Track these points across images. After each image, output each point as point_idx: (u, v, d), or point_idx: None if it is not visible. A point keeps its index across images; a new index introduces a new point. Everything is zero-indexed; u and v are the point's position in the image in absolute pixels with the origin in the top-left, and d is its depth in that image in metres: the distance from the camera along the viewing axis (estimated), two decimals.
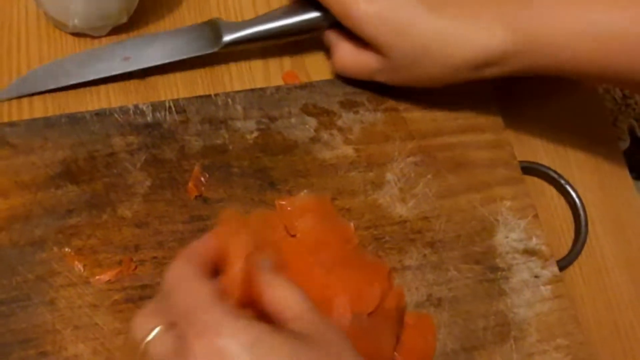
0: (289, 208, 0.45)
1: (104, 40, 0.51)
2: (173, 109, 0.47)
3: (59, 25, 0.50)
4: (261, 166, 0.47)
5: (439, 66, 0.46)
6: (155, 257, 0.43)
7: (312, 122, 0.49)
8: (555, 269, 0.47)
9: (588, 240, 0.50)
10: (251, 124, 0.48)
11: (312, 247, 0.43)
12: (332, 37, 0.50)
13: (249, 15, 0.54)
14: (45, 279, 0.41)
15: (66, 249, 0.42)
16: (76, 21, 0.49)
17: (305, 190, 0.46)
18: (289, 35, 0.50)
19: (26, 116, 0.48)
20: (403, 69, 0.47)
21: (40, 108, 0.48)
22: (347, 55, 0.49)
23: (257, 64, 0.53)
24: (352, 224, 0.46)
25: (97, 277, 0.42)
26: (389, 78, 0.48)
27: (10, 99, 0.47)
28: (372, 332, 0.41)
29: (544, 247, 0.47)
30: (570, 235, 0.51)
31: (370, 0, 0.45)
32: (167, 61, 0.49)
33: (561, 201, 0.52)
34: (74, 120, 0.46)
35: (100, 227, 0.43)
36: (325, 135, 0.48)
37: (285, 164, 0.47)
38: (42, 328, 0.40)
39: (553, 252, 0.48)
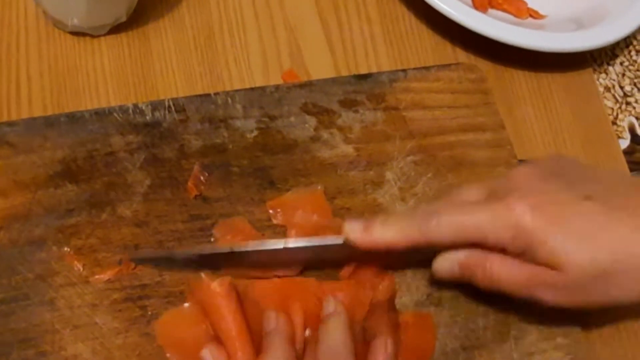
0: (279, 209, 0.45)
1: (102, 39, 0.51)
2: (172, 107, 0.47)
3: (59, 25, 0.50)
4: (261, 165, 0.47)
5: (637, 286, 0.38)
6: None
7: (312, 121, 0.49)
8: None
9: None
10: (251, 123, 0.48)
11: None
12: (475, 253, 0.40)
13: (248, 15, 0.54)
14: (45, 279, 0.41)
15: (65, 249, 0.42)
16: (75, 20, 0.49)
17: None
18: None
19: (25, 115, 0.48)
20: (581, 289, 0.39)
21: (39, 107, 0.48)
22: (503, 269, 0.39)
23: (256, 63, 0.53)
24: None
25: (97, 277, 0.42)
26: (561, 298, 0.39)
27: None
28: (369, 333, 0.41)
29: None
30: None
31: (532, 207, 0.38)
32: None
33: None
34: (73, 119, 0.46)
35: (99, 227, 0.43)
36: (325, 134, 0.48)
37: (285, 163, 0.47)
38: (41, 327, 0.40)
39: None
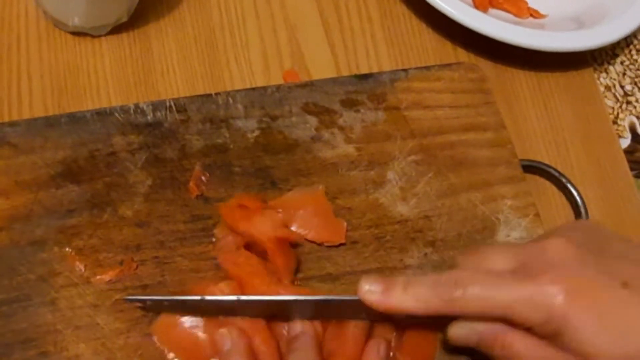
0: (280, 209, 0.45)
1: (103, 39, 0.51)
2: (174, 108, 0.47)
3: (59, 25, 0.50)
4: (262, 165, 0.47)
5: None
6: (156, 257, 0.43)
7: (313, 121, 0.49)
8: None
9: None
10: (252, 123, 0.48)
11: None
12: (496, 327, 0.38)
13: (249, 14, 0.54)
14: (46, 279, 0.41)
15: (67, 249, 0.42)
16: (76, 20, 0.49)
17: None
18: None
19: (26, 116, 0.48)
20: None
21: (40, 108, 0.48)
22: (526, 348, 0.37)
23: (257, 63, 0.53)
24: (345, 223, 0.46)
25: (98, 277, 0.42)
26: None
27: None
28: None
29: None
30: None
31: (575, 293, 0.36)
32: None
33: (562, 199, 0.52)
34: (74, 119, 0.46)
35: (101, 227, 0.43)
36: (326, 134, 0.48)
37: (286, 163, 0.47)
38: (43, 328, 0.40)
39: None
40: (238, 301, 0.40)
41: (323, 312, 0.41)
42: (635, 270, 0.38)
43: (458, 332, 0.39)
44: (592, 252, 0.38)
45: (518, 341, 0.37)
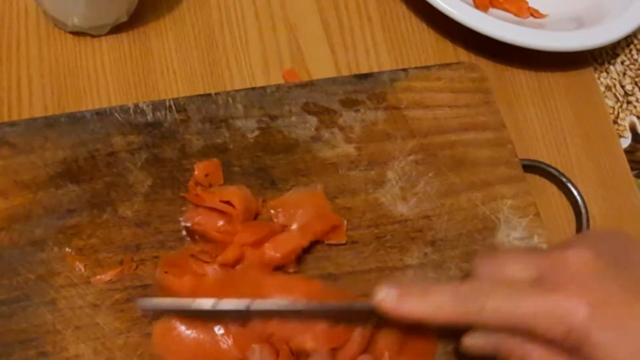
0: (280, 209, 0.45)
1: (103, 39, 0.51)
2: (173, 107, 0.47)
3: (59, 24, 0.50)
4: (262, 165, 0.46)
5: None
6: (156, 257, 0.43)
7: (313, 120, 0.49)
8: None
9: None
10: (252, 123, 0.48)
11: None
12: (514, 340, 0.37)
13: (249, 15, 0.54)
14: (46, 279, 0.41)
15: (67, 249, 0.42)
16: (76, 20, 0.49)
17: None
18: None
19: (26, 116, 0.48)
20: None
21: (40, 107, 0.48)
22: None
23: (257, 63, 0.53)
24: (345, 222, 0.46)
25: (98, 277, 0.42)
26: None
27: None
28: None
29: (545, 246, 0.47)
30: (572, 233, 0.51)
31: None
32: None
33: (562, 199, 0.52)
34: (74, 119, 0.46)
35: (101, 227, 0.43)
36: (326, 134, 0.48)
37: (286, 162, 0.47)
38: (42, 328, 0.40)
39: None
40: (248, 309, 0.39)
41: (334, 316, 0.40)
42: None
43: (474, 342, 0.39)
44: (615, 265, 0.37)
45: (536, 354, 0.37)
